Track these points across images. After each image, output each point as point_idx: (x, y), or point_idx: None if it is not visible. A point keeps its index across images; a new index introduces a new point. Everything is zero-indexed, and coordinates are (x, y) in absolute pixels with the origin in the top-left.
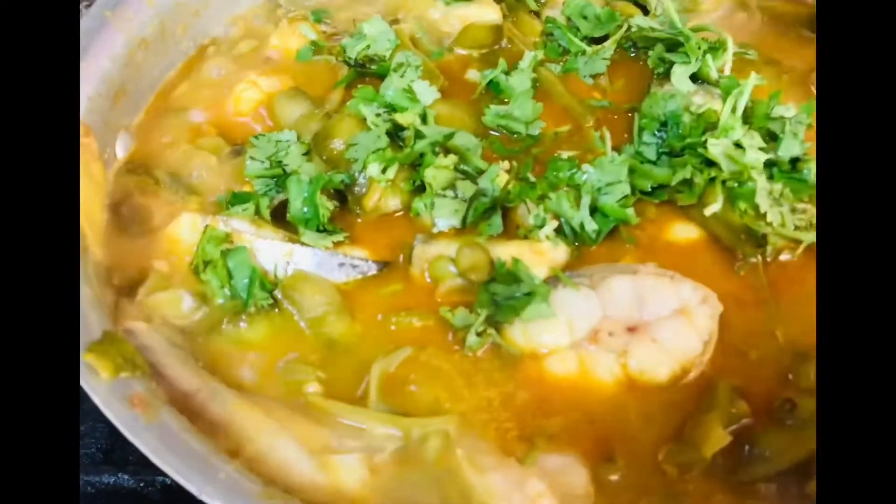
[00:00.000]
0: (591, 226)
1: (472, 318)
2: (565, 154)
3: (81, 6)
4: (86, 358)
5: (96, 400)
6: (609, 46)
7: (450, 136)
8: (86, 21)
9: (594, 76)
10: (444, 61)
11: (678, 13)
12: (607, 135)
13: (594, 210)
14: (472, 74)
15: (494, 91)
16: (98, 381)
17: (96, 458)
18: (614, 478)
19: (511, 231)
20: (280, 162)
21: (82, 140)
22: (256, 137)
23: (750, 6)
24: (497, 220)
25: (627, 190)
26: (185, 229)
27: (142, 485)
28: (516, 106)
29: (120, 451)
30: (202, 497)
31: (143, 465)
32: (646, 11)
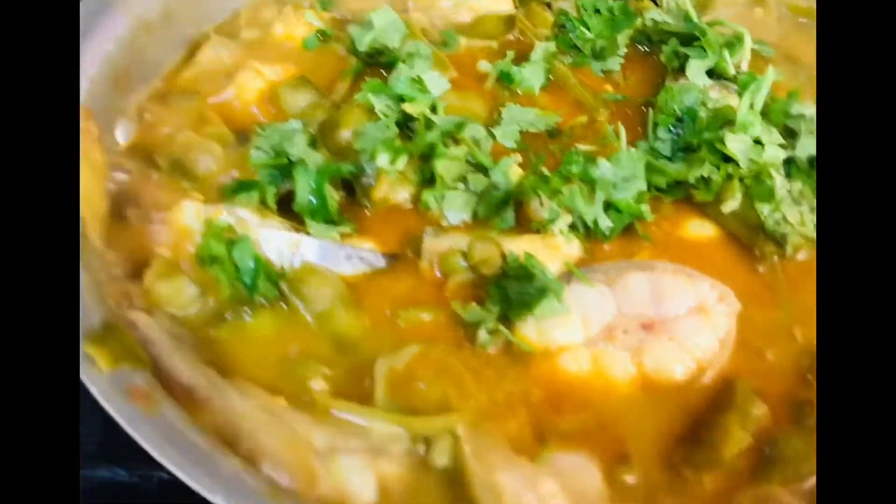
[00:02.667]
0: (606, 222)
1: (484, 313)
2: (583, 148)
3: None
4: (84, 348)
5: (94, 391)
6: (622, 44)
7: (461, 125)
8: (89, 3)
9: (606, 71)
10: (454, 52)
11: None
12: (622, 129)
13: (608, 206)
14: (484, 65)
15: (506, 82)
16: (97, 372)
17: (90, 452)
18: (629, 478)
19: (523, 225)
20: (286, 152)
21: (83, 124)
22: (262, 127)
23: (767, 1)
24: (509, 214)
25: (643, 185)
26: (187, 217)
27: (138, 480)
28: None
29: (115, 444)
30: (205, 493)
31: (139, 459)
32: (657, 6)
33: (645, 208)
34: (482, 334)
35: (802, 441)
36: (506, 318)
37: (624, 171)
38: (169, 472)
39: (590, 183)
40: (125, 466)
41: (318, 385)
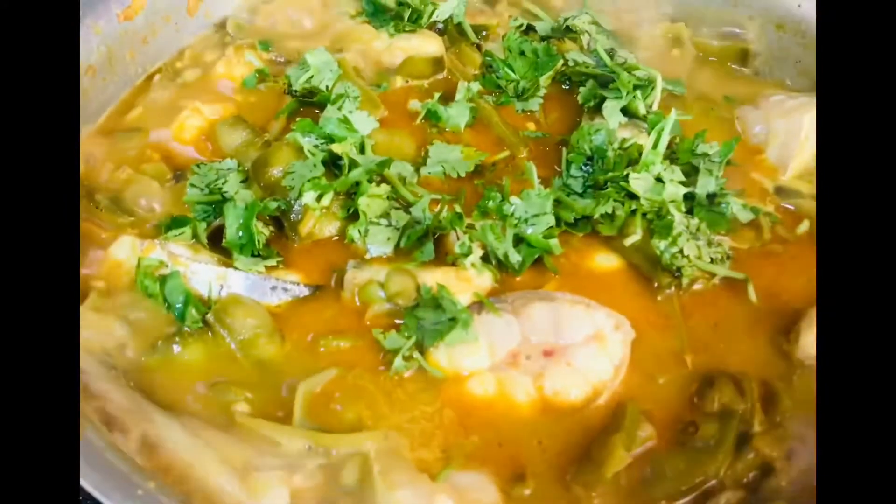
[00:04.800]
0: (515, 257)
1: (402, 340)
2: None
3: None
4: None
5: None
6: (543, 85)
7: (384, 164)
8: None
9: (527, 110)
10: (388, 91)
11: (616, 49)
12: (533, 168)
13: (520, 240)
14: (414, 104)
15: (433, 120)
16: None
17: None
18: (524, 494)
19: (443, 257)
20: (220, 189)
21: None
22: (198, 166)
23: (684, 43)
24: (429, 247)
25: (552, 221)
26: (123, 252)
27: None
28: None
29: None
30: None
31: None
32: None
33: (554, 242)
34: (398, 361)
35: (684, 460)
36: (420, 345)
37: (533, 208)
38: None
39: (504, 218)
40: None
41: (241, 408)
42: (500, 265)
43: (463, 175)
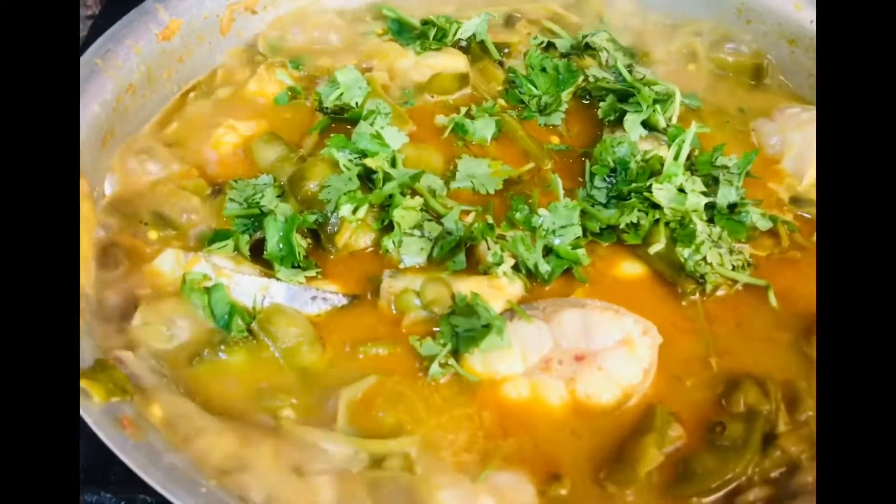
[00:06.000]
0: (545, 267)
1: (438, 347)
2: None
3: None
4: (80, 384)
5: (89, 421)
6: (565, 100)
7: (416, 177)
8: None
9: (549, 125)
10: (414, 107)
11: (633, 64)
12: (559, 181)
13: (549, 251)
14: (440, 119)
15: (461, 133)
16: (91, 404)
17: None
18: (560, 494)
19: (474, 266)
20: (257, 203)
21: None
22: (235, 181)
23: (699, 57)
24: (461, 257)
25: (579, 232)
26: (168, 264)
27: (123, 503)
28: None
29: (102, 469)
30: None
31: (125, 483)
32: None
33: (581, 253)
34: (434, 367)
35: (713, 459)
36: (455, 351)
37: (561, 219)
38: (150, 496)
39: (532, 230)
40: (111, 490)
41: (286, 413)
42: (530, 274)
43: (492, 192)
